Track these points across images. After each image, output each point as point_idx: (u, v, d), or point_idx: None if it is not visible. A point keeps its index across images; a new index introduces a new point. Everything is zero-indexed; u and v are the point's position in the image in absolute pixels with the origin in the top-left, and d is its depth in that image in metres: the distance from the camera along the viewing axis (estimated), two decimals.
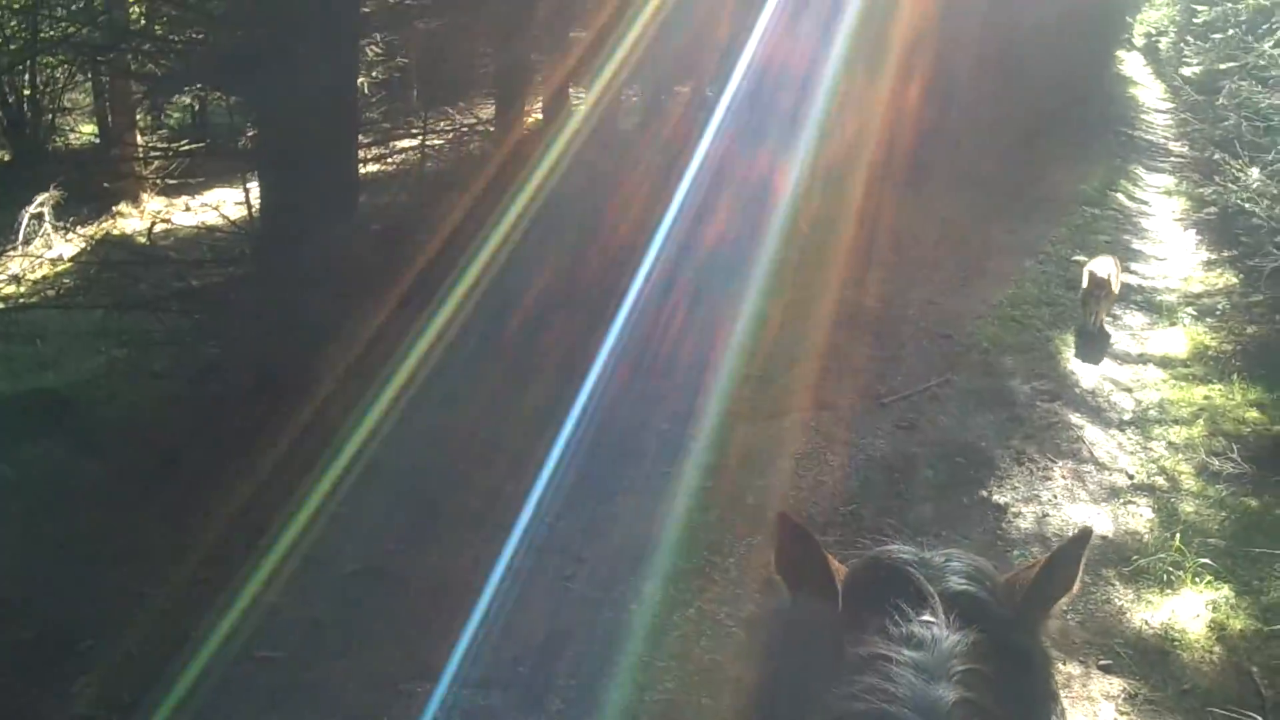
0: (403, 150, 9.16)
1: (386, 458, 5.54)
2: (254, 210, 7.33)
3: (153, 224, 9.25)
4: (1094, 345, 8.25)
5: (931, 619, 1.45)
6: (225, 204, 10.34)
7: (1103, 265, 8.47)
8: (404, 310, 5.89)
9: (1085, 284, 8.30)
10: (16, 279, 8.89)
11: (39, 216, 10.74)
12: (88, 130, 15.89)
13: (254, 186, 7.53)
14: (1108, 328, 8.58)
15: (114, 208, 11.93)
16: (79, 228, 10.91)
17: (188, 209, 10.41)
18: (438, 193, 7.84)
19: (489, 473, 6.03)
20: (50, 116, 14.67)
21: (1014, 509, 5.95)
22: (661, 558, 5.26)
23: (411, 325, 5.88)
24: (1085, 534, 1.69)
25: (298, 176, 6.60)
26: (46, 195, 10.80)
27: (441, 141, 8.97)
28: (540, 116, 9.50)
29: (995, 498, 6.04)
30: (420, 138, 8.70)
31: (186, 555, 5.22)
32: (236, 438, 5.98)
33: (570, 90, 9.24)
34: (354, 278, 6.24)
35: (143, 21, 10.82)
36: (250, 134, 8.37)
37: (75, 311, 7.72)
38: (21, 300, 8.09)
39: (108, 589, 5.05)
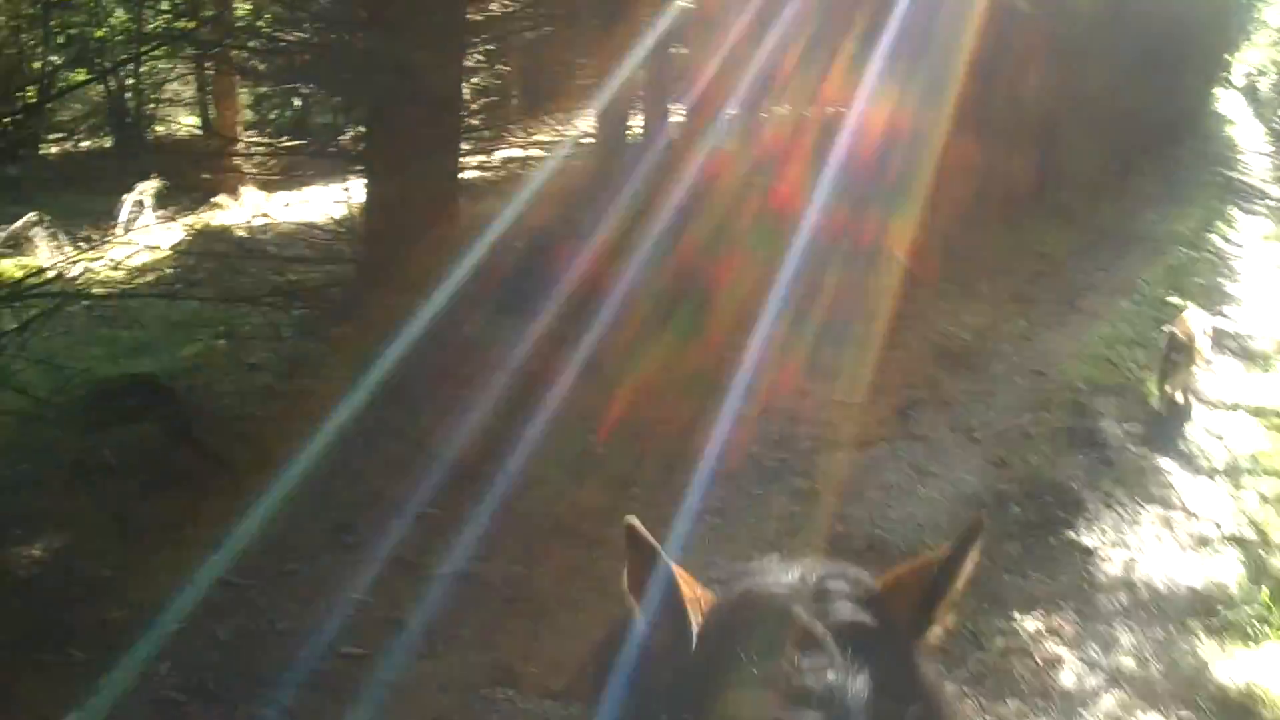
0: (504, 161, 9.23)
1: (481, 465, 5.57)
2: (355, 210, 7.42)
3: (253, 218, 9.40)
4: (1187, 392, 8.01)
5: (823, 661, 1.22)
6: (319, 202, 10.49)
7: (1187, 323, 7.67)
8: (505, 318, 5.93)
9: (1163, 346, 7.46)
10: (117, 265, 9.05)
11: (140, 204, 10.97)
12: (188, 121, 16.24)
13: (354, 186, 7.62)
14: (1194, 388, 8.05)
15: (212, 199, 12.14)
16: (178, 217, 11.13)
17: (287, 205, 10.55)
18: (538, 203, 7.89)
19: (581, 487, 6.07)
20: (152, 106, 15.04)
21: (1101, 553, 5.86)
22: None
23: (513, 334, 5.92)
24: (976, 525, 1.44)
25: (401, 179, 6.67)
26: (148, 184, 11.04)
27: (542, 152, 9.03)
28: (641, 131, 9.54)
29: (1083, 540, 5.95)
30: (522, 147, 8.76)
31: (275, 547, 5.29)
32: (329, 434, 6.05)
33: (669, 107, 9.28)
34: (454, 283, 6.29)
35: (249, 18, 11.02)
36: (352, 134, 8.48)
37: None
38: (123, 288, 8.23)
39: (197, 575, 5.12)
